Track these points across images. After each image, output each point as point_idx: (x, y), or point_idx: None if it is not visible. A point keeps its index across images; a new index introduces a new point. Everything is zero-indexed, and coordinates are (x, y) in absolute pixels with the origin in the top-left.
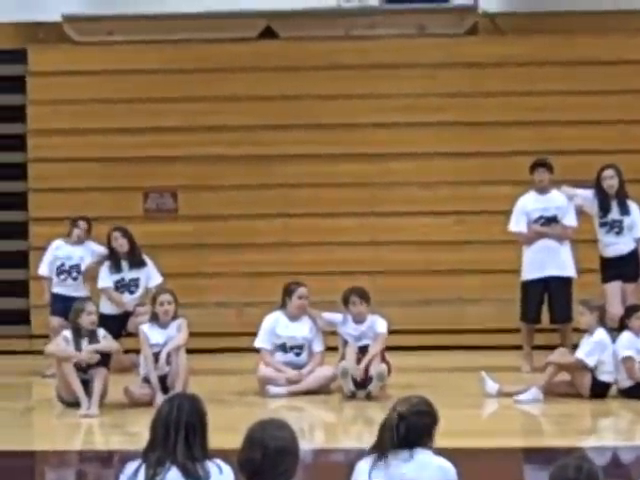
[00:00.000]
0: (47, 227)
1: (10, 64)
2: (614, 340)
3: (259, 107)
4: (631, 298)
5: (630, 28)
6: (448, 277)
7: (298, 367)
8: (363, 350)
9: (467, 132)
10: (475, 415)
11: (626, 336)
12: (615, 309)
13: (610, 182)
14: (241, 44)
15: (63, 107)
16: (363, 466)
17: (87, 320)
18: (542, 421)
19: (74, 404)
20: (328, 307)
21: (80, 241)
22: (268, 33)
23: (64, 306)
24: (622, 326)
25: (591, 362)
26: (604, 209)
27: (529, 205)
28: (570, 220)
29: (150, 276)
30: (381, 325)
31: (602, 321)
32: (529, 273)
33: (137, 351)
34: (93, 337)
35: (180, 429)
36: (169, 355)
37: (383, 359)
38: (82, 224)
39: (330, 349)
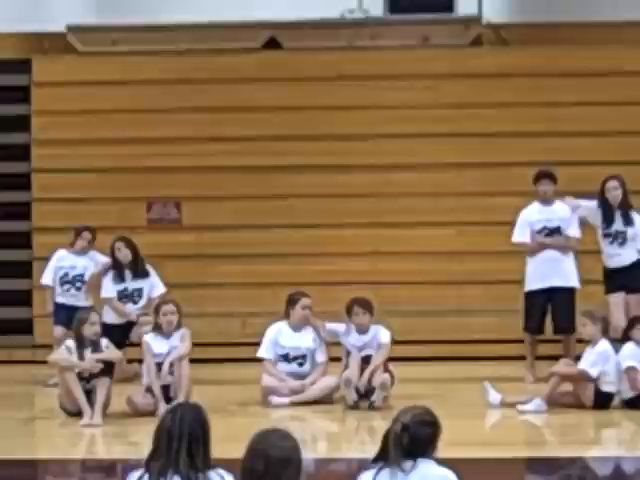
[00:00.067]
0: (51, 237)
1: (15, 74)
2: (617, 351)
3: (263, 118)
4: (635, 309)
5: (632, 39)
6: (450, 288)
7: (301, 377)
8: (366, 360)
9: (470, 143)
10: (478, 425)
11: (629, 347)
12: (618, 320)
13: (614, 193)
14: (245, 54)
15: (67, 117)
16: (366, 476)
17: (90, 330)
18: (545, 431)
19: (77, 413)
20: (331, 317)
21: (84, 251)
22: (272, 43)
23: (67, 316)
24: (625, 337)
25: (594, 373)
26: (608, 220)
27: (533, 216)
28: (574, 231)
29: (153, 286)
30: (384, 335)
31: (605, 332)
32: (533, 284)
33: (140, 361)
34: (96, 347)
35: (183, 439)
36: (172, 365)
37: (386, 369)
38: (86, 234)
39: (333, 359)
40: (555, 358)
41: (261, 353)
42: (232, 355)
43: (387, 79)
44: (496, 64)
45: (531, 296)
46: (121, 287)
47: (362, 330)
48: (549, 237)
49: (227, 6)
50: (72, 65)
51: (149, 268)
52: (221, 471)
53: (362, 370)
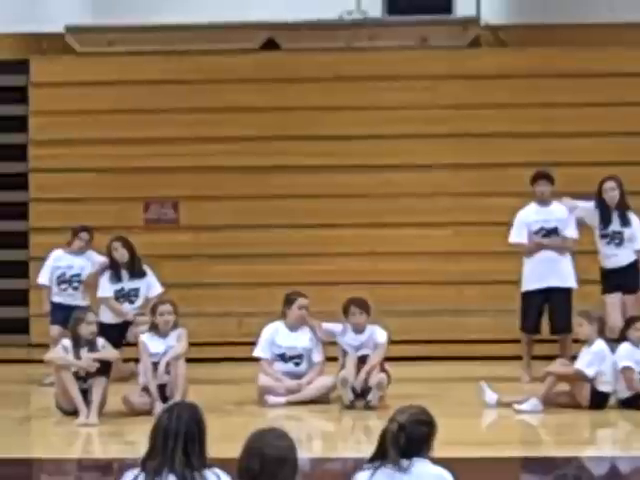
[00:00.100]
0: (48, 237)
1: (12, 75)
2: (613, 351)
3: (261, 118)
4: (631, 310)
5: (629, 41)
6: (447, 288)
7: (297, 377)
8: (363, 360)
9: (468, 144)
10: (474, 425)
11: (625, 347)
12: (615, 320)
13: (611, 194)
14: (243, 55)
15: (65, 118)
16: (362, 476)
17: (87, 330)
18: (541, 431)
19: (73, 413)
20: (328, 317)
21: (81, 251)
22: (270, 44)
23: (64, 315)
24: (622, 337)
25: (590, 373)
26: (605, 221)
27: (530, 217)
28: (571, 232)
29: (150, 286)
30: (381, 335)
31: (601, 332)
32: (529, 284)
33: (136, 360)
34: (92, 346)
35: (179, 438)
36: (168, 364)
37: (383, 369)
38: (84, 235)
39: (330, 359)
40: (551, 358)
41: (257, 353)
42: (228, 354)
43: (385, 80)
44: (494, 65)
45: (528, 296)
46: (118, 287)
47: (358, 330)
48: (546, 238)
49: (225, 7)
50: (70, 65)
51: (146, 268)
52: (217, 470)
53: (358, 370)
